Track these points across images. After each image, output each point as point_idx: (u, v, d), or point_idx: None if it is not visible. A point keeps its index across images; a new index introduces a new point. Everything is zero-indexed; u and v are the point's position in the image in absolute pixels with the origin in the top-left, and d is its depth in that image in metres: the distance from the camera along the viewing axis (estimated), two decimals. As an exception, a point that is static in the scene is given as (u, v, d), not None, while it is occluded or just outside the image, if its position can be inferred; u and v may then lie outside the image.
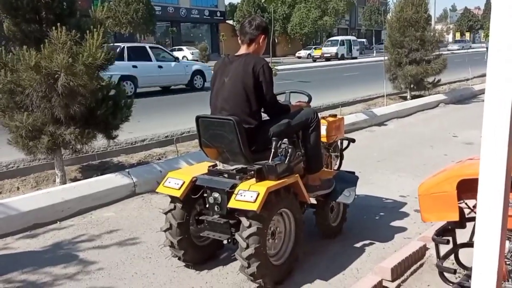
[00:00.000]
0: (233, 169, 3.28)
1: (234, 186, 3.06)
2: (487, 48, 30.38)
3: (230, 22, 52.66)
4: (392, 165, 6.35)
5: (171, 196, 3.32)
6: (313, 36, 59.27)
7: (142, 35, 31.55)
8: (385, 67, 11.76)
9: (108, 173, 5.49)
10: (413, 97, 12.16)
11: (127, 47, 14.70)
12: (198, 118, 3.32)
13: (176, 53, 30.18)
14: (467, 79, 16.75)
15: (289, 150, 3.29)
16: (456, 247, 2.48)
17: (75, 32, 4.53)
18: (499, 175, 1.41)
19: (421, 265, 3.45)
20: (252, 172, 3.06)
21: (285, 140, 3.52)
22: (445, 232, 2.46)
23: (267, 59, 3.81)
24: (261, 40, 3.39)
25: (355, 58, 43.29)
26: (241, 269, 3.03)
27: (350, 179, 3.87)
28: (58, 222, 4.50)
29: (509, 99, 1.35)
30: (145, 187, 5.34)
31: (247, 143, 3.11)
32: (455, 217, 2.26)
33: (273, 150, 3.13)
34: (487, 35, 23.92)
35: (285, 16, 54.60)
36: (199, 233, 3.42)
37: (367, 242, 3.92)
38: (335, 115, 4.37)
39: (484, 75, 17.81)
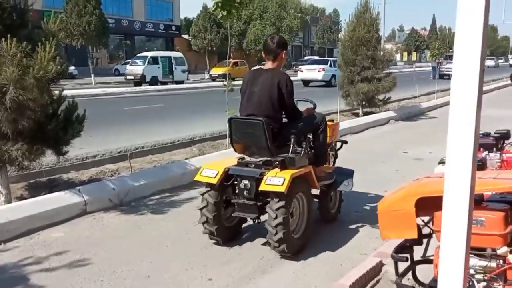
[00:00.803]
0: (258, 161, 4.03)
1: (262, 174, 3.83)
2: (433, 67, 31.85)
3: (186, 36, 52.48)
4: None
5: (207, 183, 4.00)
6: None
7: (95, 47, 30.82)
8: (338, 85, 12.03)
9: (57, 191, 5.24)
10: (365, 113, 12.49)
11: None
12: (230, 119, 4.13)
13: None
14: (415, 97, 17.42)
15: (304, 146, 4.20)
16: (414, 264, 2.52)
17: (26, 44, 4.33)
18: (463, 193, 1.43)
19: (377, 281, 3.49)
20: (277, 162, 3.88)
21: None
22: (403, 249, 2.49)
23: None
24: (282, 55, 4.16)
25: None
26: (269, 235, 3.77)
27: (347, 172, 4.74)
28: (2, 244, 4.24)
29: (473, 118, 1.39)
30: (97, 205, 5.14)
31: (272, 140, 3.90)
32: (414, 235, 2.30)
33: (291, 146, 4.02)
34: (433, 55, 25.03)
35: (240, 33, 55.07)
36: (226, 215, 4.20)
37: (324, 259, 3.93)
38: (332, 120, 5.00)
39: (430, 93, 18.63)
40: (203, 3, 47.33)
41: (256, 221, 4.18)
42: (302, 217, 4.12)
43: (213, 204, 3.98)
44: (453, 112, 1.43)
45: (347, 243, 4.28)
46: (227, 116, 7.95)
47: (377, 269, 3.55)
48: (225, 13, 7.55)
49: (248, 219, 4.30)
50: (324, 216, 4.73)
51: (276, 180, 3.67)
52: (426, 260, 2.60)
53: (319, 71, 28.39)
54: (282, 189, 3.59)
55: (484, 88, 12.39)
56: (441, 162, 3.67)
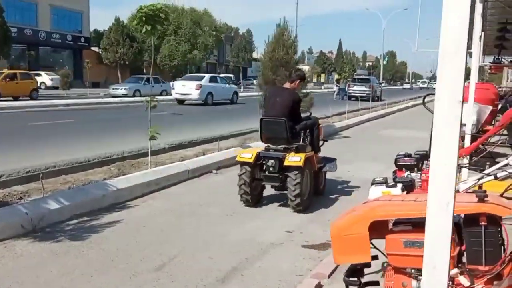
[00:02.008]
0: (280, 147, 6.02)
1: (283, 156, 5.77)
2: (340, 88, 33.60)
3: (95, 49, 50.38)
4: (278, 197, 6.45)
5: (245, 163, 5.86)
6: (183, 68, 59.65)
7: (-6, 57, 28.46)
8: (259, 103, 12.14)
9: (-43, 217, 4.64)
10: (284, 132, 12.72)
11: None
12: (261, 119, 6.16)
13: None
14: (327, 117, 18.16)
15: (307, 138, 6.20)
16: (363, 286, 2.51)
17: None
18: (446, 216, 1.44)
19: (318, 304, 3.47)
20: (293, 148, 5.90)
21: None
22: (354, 272, 2.48)
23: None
24: (297, 83, 6.44)
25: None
26: (289, 193, 5.70)
27: (332, 159, 6.76)
28: None
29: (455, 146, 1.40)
30: (7, 232, 4.61)
31: (288, 133, 5.88)
32: (368, 259, 2.29)
33: (301, 137, 6.07)
34: (343, 77, 26.46)
35: (154, 47, 54.16)
36: (253, 187, 5.99)
37: (260, 283, 3.84)
38: (319, 124, 6.74)
39: (341, 113, 19.55)
40: (116, 16, 45.95)
41: (277, 189, 6.16)
42: (308, 186, 5.93)
43: (248, 178, 5.85)
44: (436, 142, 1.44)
45: (281, 265, 4.23)
46: (147, 134, 7.77)
47: (317, 291, 3.54)
48: (149, 28, 7.32)
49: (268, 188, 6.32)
50: (315, 190, 6.31)
51: (295, 158, 5.68)
52: (373, 283, 2.61)
53: (196, 89, 24.83)
54: (300, 163, 5.62)
55: (401, 107, 13.35)
56: (374, 183, 3.76)
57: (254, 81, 70.64)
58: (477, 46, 10.22)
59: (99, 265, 4.11)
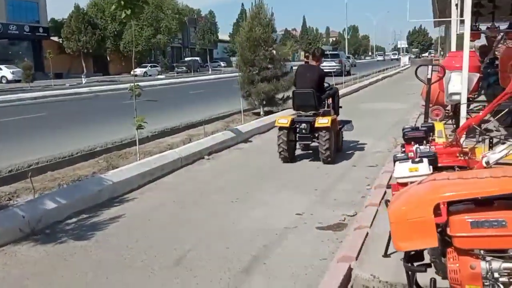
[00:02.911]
0: (310, 113, 7.28)
1: (314, 120, 7.06)
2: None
3: (55, 38, 48.48)
4: (275, 182, 6.32)
5: (282, 127, 7.14)
6: (147, 54, 58.28)
7: None
8: (240, 85, 11.93)
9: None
10: (266, 112, 12.56)
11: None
12: (294, 91, 7.57)
13: None
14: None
15: (331, 105, 7.62)
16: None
17: None
18: None
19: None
20: (320, 112, 7.24)
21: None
22: (412, 257, 2.35)
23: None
24: (321, 59, 7.86)
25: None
26: (320, 148, 7.03)
27: (348, 121, 8.05)
28: None
29: None
30: (5, 238, 4.30)
31: (316, 101, 7.19)
32: (434, 243, 2.16)
33: (325, 104, 7.47)
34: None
35: (116, 34, 52.53)
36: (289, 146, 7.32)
37: (285, 270, 3.70)
38: (338, 93, 8.18)
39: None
40: (75, 3, 44.22)
41: (307, 147, 7.93)
42: (333, 142, 7.22)
43: (286, 139, 7.18)
44: None
45: (302, 250, 4.10)
46: (132, 124, 7.45)
47: (348, 275, 3.43)
48: (128, 12, 6.92)
49: (302, 146, 7.92)
50: (336, 146, 7.60)
51: (323, 120, 6.99)
52: (426, 265, 2.50)
53: None
54: (328, 124, 6.95)
55: (372, 80, 13.38)
56: (397, 159, 3.66)
57: (221, 63, 70.26)
58: (454, 14, 10.27)
59: (112, 265, 3.89)
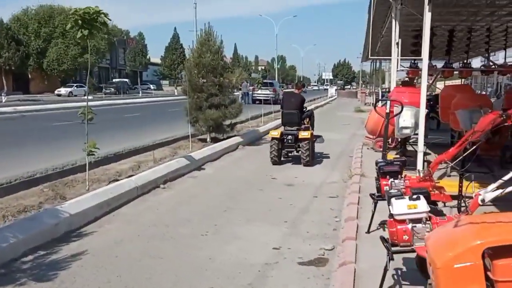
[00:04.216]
0: (294, 129, 9.64)
1: (297, 134, 9.51)
2: (244, 92, 33.81)
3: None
4: (241, 213, 6.15)
5: (274, 138, 9.62)
6: (73, 73, 55.79)
7: None
8: (186, 111, 11.68)
9: None
10: (212, 139, 12.38)
11: None
12: (282, 112, 10.03)
13: None
14: (243, 121, 18.06)
15: (311, 121, 10.16)
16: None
17: None
18: None
19: None
20: (302, 128, 9.72)
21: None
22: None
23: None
24: (301, 89, 10.91)
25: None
26: (301, 155, 9.48)
27: (320, 136, 10.24)
28: None
29: None
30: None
31: (299, 120, 9.74)
32: (483, 288, 2.13)
33: (305, 122, 9.99)
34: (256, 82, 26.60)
35: (39, 51, 49.85)
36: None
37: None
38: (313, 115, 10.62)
39: (255, 117, 19.60)
40: (-2, 18, 41.46)
41: (293, 152, 9.93)
42: (311, 150, 9.51)
43: (276, 147, 9.53)
44: None
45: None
46: (83, 150, 6.98)
47: None
48: (86, 32, 6.55)
49: (284, 153, 10.05)
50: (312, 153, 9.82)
51: (305, 133, 9.39)
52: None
53: None
54: (308, 136, 9.36)
55: (311, 107, 13.97)
56: (392, 195, 3.67)
57: (151, 86, 68.97)
58: (395, 52, 10.89)
59: (88, 310, 3.50)
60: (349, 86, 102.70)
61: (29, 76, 51.46)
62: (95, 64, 58.32)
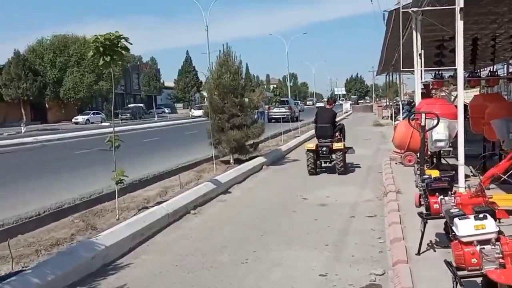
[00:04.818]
0: (328, 141, 10.50)
1: (331, 145, 10.43)
2: (260, 112, 33.66)
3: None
4: (278, 237, 5.92)
5: (310, 150, 10.47)
6: (89, 101, 56.56)
7: None
8: (208, 133, 11.54)
9: None
10: (235, 160, 12.21)
11: None
12: (316, 126, 11.03)
13: None
14: (262, 141, 17.87)
15: (341, 135, 10.92)
16: None
17: None
18: None
19: None
20: (335, 139, 10.59)
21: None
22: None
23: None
24: (332, 104, 11.69)
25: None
26: (336, 165, 10.44)
27: (351, 147, 11.03)
28: None
29: None
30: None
31: (332, 132, 10.62)
32: None
33: (337, 134, 10.83)
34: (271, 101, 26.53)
35: (56, 80, 50.73)
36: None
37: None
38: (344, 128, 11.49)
39: (274, 136, 19.42)
40: (15, 49, 42.32)
41: (327, 164, 10.78)
42: (345, 160, 10.47)
43: (313, 158, 10.38)
44: None
45: None
46: (112, 179, 6.86)
47: None
48: (108, 59, 6.49)
49: (323, 163, 10.87)
50: (342, 167, 10.46)
51: (338, 144, 10.30)
52: None
53: None
54: (342, 147, 10.33)
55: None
56: (454, 215, 3.43)
57: (165, 110, 69.51)
58: (418, 64, 10.66)
59: None
60: (362, 101, 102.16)
61: (47, 105, 52.29)
62: (110, 90, 59.19)
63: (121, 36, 6.64)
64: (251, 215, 7.24)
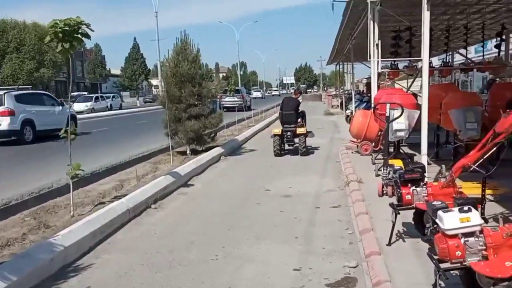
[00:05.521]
0: (292, 126, 11.74)
1: (295, 130, 11.72)
2: (211, 101, 33.18)
3: None
4: (246, 231, 5.77)
5: (276, 134, 11.79)
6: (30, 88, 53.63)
7: None
8: (164, 123, 11.16)
9: None
10: (192, 151, 11.92)
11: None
12: (281, 113, 12.10)
13: None
14: (223, 128, 17.63)
15: (303, 121, 12.20)
16: None
17: None
18: None
19: None
20: (298, 125, 11.87)
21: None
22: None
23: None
24: (298, 94, 13.59)
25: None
26: (299, 147, 11.77)
27: (310, 131, 12.22)
28: None
29: None
30: None
31: (295, 118, 11.89)
32: None
33: (300, 120, 12.10)
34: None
35: (-6, 67, 47.69)
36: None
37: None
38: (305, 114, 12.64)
39: (230, 125, 19.19)
40: None
41: (291, 146, 12.07)
42: (305, 143, 11.67)
43: (279, 141, 11.67)
44: None
45: None
46: (67, 174, 6.42)
47: None
48: (67, 45, 6.03)
49: (287, 146, 12.03)
50: (303, 149, 11.70)
51: (301, 129, 11.72)
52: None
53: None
54: (304, 131, 11.75)
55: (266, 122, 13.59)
56: (437, 208, 3.39)
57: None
58: (375, 54, 10.77)
59: None
60: (310, 90, 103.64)
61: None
62: (52, 78, 56.46)
63: (83, 22, 6.17)
64: (215, 208, 7.04)
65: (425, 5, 5.93)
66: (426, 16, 5.99)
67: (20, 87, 19.83)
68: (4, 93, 16.06)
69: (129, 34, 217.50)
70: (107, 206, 6.28)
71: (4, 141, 16.15)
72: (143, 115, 32.80)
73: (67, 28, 5.97)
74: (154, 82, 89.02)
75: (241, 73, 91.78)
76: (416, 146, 9.22)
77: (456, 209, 3.28)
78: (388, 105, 6.85)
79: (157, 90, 69.04)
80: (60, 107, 18.43)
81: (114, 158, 11.44)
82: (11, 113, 15.78)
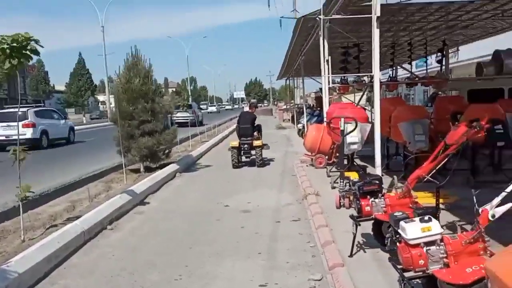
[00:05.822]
0: (248, 139, 12.39)
1: (251, 142, 12.37)
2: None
3: None
4: (208, 249, 5.69)
5: (233, 147, 12.45)
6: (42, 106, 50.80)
7: None
8: (116, 140, 10.88)
9: None
10: (145, 169, 11.69)
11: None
12: (238, 126, 12.91)
13: None
14: (176, 144, 17.40)
15: (259, 134, 12.79)
16: None
17: None
18: None
19: None
20: (254, 138, 12.47)
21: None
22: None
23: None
24: (253, 108, 14.80)
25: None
26: (256, 159, 12.31)
27: (266, 144, 12.85)
28: None
29: None
30: None
31: (251, 132, 12.53)
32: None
33: (256, 134, 12.70)
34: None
35: None
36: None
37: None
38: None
39: (183, 140, 19.00)
40: None
41: (248, 158, 12.78)
42: (262, 155, 12.36)
43: (236, 154, 12.32)
44: None
45: None
46: (17, 196, 6.12)
47: None
48: (15, 62, 5.78)
49: (244, 158, 12.83)
50: (259, 161, 12.29)
51: (257, 142, 12.27)
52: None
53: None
54: (260, 144, 12.30)
55: (231, 129, 14.06)
56: (398, 218, 3.52)
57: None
58: (326, 69, 11.10)
59: None
60: (261, 104, 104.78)
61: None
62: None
63: (31, 38, 5.95)
64: (175, 226, 6.92)
65: (374, 23, 6.19)
66: (376, 33, 6.26)
67: (37, 104, 25.87)
68: (27, 110, 20.07)
69: (74, 49, 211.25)
70: (60, 229, 6.01)
71: None
72: (91, 132, 31.79)
73: (15, 44, 5.74)
74: (101, 98, 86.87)
75: (191, 88, 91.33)
76: (368, 158, 9.54)
77: (417, 219, 3.41)
78: (342, 119, 7.05)
79: (105, 106, 67.44)
80: (64, 120, 23.23)
81: (65, 177, 11.01)
82: (33, 125, 19.64)
